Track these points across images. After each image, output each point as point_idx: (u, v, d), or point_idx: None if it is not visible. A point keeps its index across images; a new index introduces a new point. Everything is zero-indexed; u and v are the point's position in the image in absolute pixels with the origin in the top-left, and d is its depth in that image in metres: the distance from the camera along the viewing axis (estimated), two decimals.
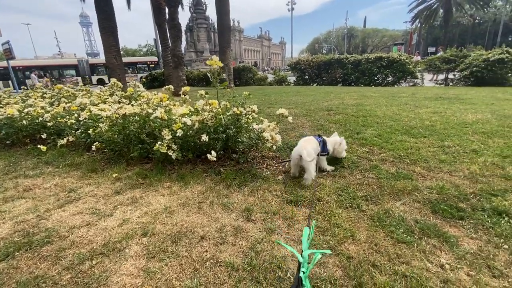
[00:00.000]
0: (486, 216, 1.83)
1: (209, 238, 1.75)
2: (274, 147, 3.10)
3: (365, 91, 8.77)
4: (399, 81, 12.97)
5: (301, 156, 2.37)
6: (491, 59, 10.42)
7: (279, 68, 38.80)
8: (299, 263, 0.86)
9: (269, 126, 2.86)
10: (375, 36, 58.79)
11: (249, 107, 3.05)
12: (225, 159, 3.09)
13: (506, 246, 1.55)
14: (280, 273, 1.43)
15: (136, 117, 3.32)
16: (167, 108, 3.64)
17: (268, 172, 2.76)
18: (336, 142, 2.74)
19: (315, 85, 14.88)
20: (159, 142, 2.77)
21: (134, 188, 2.59)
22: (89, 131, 3.50)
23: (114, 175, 2.89)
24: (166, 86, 3.94)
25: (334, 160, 2.85)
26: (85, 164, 3.30)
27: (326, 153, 2.65)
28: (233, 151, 3.06)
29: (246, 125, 2.97)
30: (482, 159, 2.63)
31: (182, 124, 2.96)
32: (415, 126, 3.82)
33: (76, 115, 4.14)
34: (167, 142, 2.80)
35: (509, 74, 10.46)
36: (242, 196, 2.31)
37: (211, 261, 1.55)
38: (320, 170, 2.65)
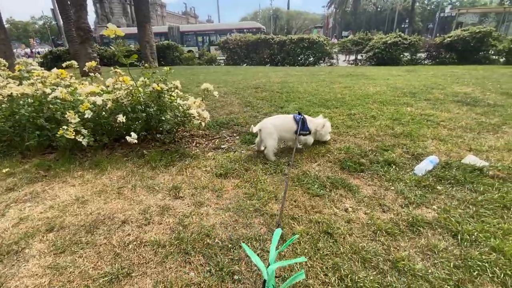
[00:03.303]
0: (380, 167, 2.23)
1: (131, 222, 1.63)
2: (203, 124, 3.03)
3: (290, 70, 9.29)
4: (319, 61, 14.19)
5: (260, 129, 2.38)
6: (388, 42, 12.33)
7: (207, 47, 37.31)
8: (264, 281, 0.74)
9: (194, 102, 2.75)
10: (298, 18, 61.96)
11: (171, 83, 2.86)
12: (150, 141, 2.87)
13: (392, 188, 1.93)
14: (209, 240, 1.45)
15: (29, 99, 2.74)
16: (71, 87, 3.10)
17: (198, 150, 2.70)
18: (319, 124, 2.56)
19: (244, 65, 14.96)
20: (63, 127, 2.36)
21: (33, 182, 2.18)
22: None
23: (4, 171, 2.36)
24: (68, 62, 3.32)
25: None
26: None
27: (307, 131, 2.48)
28: (157, 131, 2.86)
29: (170, 103, 2.78)
30: (378, 122, 3.16)
31: (91, 104, 2.58)
32: (329, 99, 4.29)
33: None
34: (74, 126, 2.40)
35: (402, 55, 12.62)
36: (169, 176, 2.21)
37: (134, 243, 1.46)
38: (306, 146, 2.61)
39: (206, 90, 2.76)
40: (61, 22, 13.63)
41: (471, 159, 2.20)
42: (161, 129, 2.78)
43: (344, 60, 14.76)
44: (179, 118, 2.63)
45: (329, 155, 2.48)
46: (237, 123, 3.39)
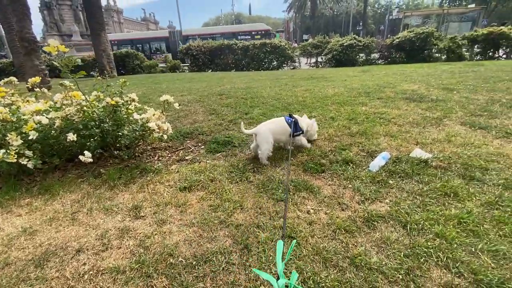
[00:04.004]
0: (339, 166, 2.35)
1: (87, 249, 1.52)
2: (165, 136, 2.94)
3: (254, 75, 9.42)
4: (282, 65, 14.59)
5: (256, 134, 2.43)
6: (344, 44, 13.08)
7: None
8: None
9: (154, 114, 2.66)
10: (260, 22, 63.32)
11: (128, 96, 2.74)
12: (107, 158, 2.72)
13: (350, 186, 2.05)
14: (172, 259, 1.41)
15: None
16: (13, 106, 2.83)
17: (160, 164, 2.62)
18: (308, 124, 2.68)
19: (209, 71, 14.85)
20: (2, 151, 2.13)
21: None
22: None
23: None
24: (6, 79, 3.02)
25: (238, 141, 2.97)
26: None
27: (300, 132, 2.58)
28: (115, 147, 2.71)
29: (126, 117, 2.66)
30: (336, 123, 3.33)
31: (37, 123, 2.38)
32: (291, 103, 4.43)
33: None
34: (15, 149, 2.19)
35: (357, 57, 13.45)
36: (129, 194, 2.11)
37: (91, 272, 1.36)
38: (297, 147, 2.67)
39: (166, 102, 2.69)
40: (3, 32, 12.39)
41: (417, 152, 2.41)
42: (118, 145, 2.64)
43: (306, 63, 15.34)
44: (137, 133, 2.52)
45: (292, 158, 2.55)
46: (202, 132, 3.35)
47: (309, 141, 2.78)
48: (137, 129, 2.54)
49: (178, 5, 27.63)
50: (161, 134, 2.70)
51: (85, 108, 2.49)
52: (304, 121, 2.68)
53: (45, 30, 40.89)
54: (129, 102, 2.75)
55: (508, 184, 1.89)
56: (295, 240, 1.43)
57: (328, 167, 2.36)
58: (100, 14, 11.64)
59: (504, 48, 11.79)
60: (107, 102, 2.56)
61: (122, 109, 2.74)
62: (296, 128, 2.54)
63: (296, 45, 19.80)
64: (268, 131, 2.45)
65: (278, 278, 0.82)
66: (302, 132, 2.62)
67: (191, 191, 2.11)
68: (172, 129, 3.50)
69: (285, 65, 14.67)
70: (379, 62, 13.65)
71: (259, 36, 23.49)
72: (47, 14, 38.99)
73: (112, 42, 25.23)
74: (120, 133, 2.53)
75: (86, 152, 2.34)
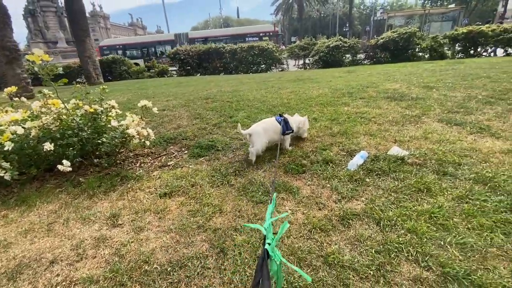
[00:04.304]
0: (319, 166, 2.38)
1: (61, 260, 1.50)
2: (148, 142, 2.92)
3: (242, 78, 9.46)
4: (271, 68, 14.69)
5: (250, 134, 2.49)
6: (330, 45, 13.28)
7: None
8: (264, 236, 0.82)
9: (133, 121, 2.65)
10: (249, 26, 63.70)
11: (107, 103, 2.72)
12: (88, 167, 2.68)
13: (328, 185, 2.08)
14: (147, 267, 1.40)
15: None
16: None
17: (141, 171, 2.60)
18: (300, 121, 2.79)
19: (198, 75, 14.81)
20: None
21: None
22: None
23: None
24: None
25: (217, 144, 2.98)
26: None
27: (291, 131, 2.66)
28: (95, 155, 2.68)
29: (105, 124, 2.63)
30: (319, 124, 3.38)
31: (12, 134, 2.33)
32: (276, 105, 4.47)
33: None
34: None
35: (344, 57, 13.67)
36: (108, 203, 2.08)
37: (63, 283, 1.34)
38: (281, 149, 2.68)
39: (144, 108, 2.68)
40: None
41: (395, 150, 2.47)
42: (98, 153, 2.61)
43: (294, 65, 15.48)
44: (116, 140, 2.50)
45: (274, 160, 2.57)
46: (186, 137, 3.34)
47: (300, 138, 2.93)
48: (117, 136, 2.52)
49: (165, 10, 27.42)
50: (143, 140, 2.69)
51: (62, 116, 2.45)
52: (296, 120, 2.79)
53: (29, 37, 40.06)
54: (108, 110, 2.72)
55: (478, 178, 1.96)
56: (275, 193, 1.48)
57: (309, 167, 2.40)
58: (84, 20, 11.48)
59: (484, 46, 12.17)
60: (85, 110, 2.53)
61: (102, 116, 2.71)
62: (287, 126, 2.64)
63: (284, 47, 20.01)
64: (262, 131, 2.54)
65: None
66: (292, 131, 2.71)
67: (172, 197, 2.10)
68: (156, 134, 3.50)
69: (273, 67, 14.76)
70: (365, 62, 13.89)
71: (267, 38, 22.85)
72: (31, 22, 38.21)
73: (118, 46, 24.91)
74: (100, 141, 2.50)
75: (64, 161, 2.30)
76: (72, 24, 11.33)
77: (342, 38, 13.80)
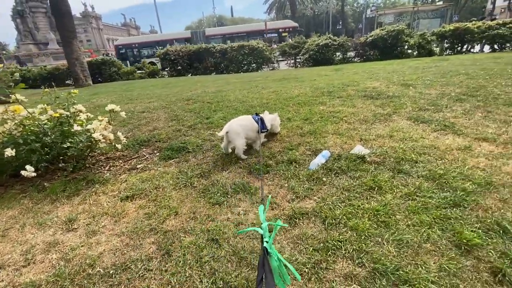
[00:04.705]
0: (283, 166, 2.42)
1: (8, 266, 1.52)
2: (119, 146, 2.94)
3: (230, 78, 9.47)
4: (262, 67, 14.71)
5: (227, 132, 2.51)
6: (320, 44, 13.33)
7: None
8: (261, 236, 0.86)
9: (100, 125, 2.66)
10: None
11: (74, 108, 2.73)
12: (56, 171, 2.69)
13: (286, 185, 2.12)
14: (91, 270, 1.43)
15: None
16: None
17: (108, 174, 2.61)
18: (272, 118, 2.89)
19: (189, 75, 14.78)
20: None
21: None
22: None
23: None
24: None
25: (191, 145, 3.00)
26: None
27: (266, 130, 2.76)
28: (62, 160, 2.69)
29: (67, 128, 2.64)
30: (291, 124, 3.41)
31: None
32: (254, 105, 4.50)
33: None
34: None
35: (334, 55, 13.71)
36: (70, 207, 2.10)
37: None
38: (250, 147, 2.77)
39: (112, 111, 2.69)
40: None
41: (358, 148, 2.52)
42: (61, 157, 2.61)
43: (287, 63, 15.52)
44: (81, 144, 2.51)
45: (241, 161, 2.61)
46: (159, 139, 3.36)
47: (274, 134, 3.02)
48: (83, 140, 2.53)
49: (157, 10, 27.28)
50: (113, 144, 2.72)
51: (26, 121, 2.46)
52: (267, 117, 2.83)
53: (19, 39, 39.57)
54: (76, 114, 2.73)
55: (430, 175, 2.01)
56: (270, 196, 1.63)
57: (274, 167, 2.43)
58: (70, 21, 11.38)
59: (471, 42, 12.30)
60: (50, 115, 2.54)
61: (70, 121, 2.72)
62: (263, 125, 2.70)
63: (275, 46, 20.01)
64: (240, 127, 2.59)
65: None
66: (267, 130, 2.78)
67: (133, 200, 2.12)
68: (130, 137, 3.52)
69: (264, 66, 14.78)
70: (356, 60, 13.97)
71: (286, 34, 22.48)
72: (20, 23, 37.74)
73: (133, 45, 24.76)
74: (65, 146, 2.51)
75: (28, 167, 2.31)
76: (59, 26, 11.22)
77: (331, 36, 13.84)
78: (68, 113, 2.65)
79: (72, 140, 2.50)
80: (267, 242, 0.81)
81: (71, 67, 11.58)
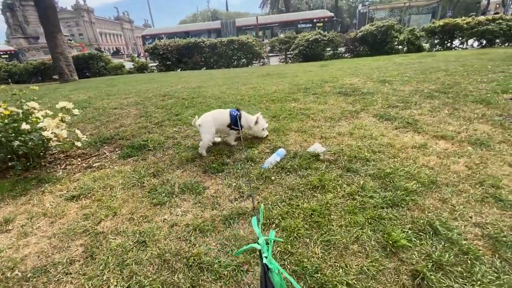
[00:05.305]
0: (239, 165, 2.38)
1: None
2: (79, 143, 2.88)
3: (216, 74, 9.37)
4: (252, 62, 14.58)
5: (200, 125, 2.53)
6: (310, 39, 13.22)
7: (138, 53, 35.02)
8: (260, 251, 0.83)
9: (52, 122, 2.59)
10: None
11: (27, 105, 2.65)
12: (8, 170, 2.62)
13: (235, 184, 2.08)
14: (9, 273, 1.39)
15: None
16: None
17: (61, 173, 2.56)
18: (251, 120, 2.67)
19: (179, 70, 14.61)
20: None
21: None
22: None
23: None
24: None
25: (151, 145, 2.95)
26: None
27: (238, 128, 2.61)
28: (15, 158, 2.62)
29: (16, 129, 2.56)
30: None
31: None
32: (229, 101, 4.44)
33: None
34: None
35: (324, 51, 13.61)
36: (13, 207, 2.05)
37: None
38: (227, 143, 2.78)
39: (64, 109, 2.62)
40: None
41: (315, 147, 2.49)
42: (12, 156, 2.54)
43: (279, 59, 15.38)
44: (31, 143, 2.44)
45: (198, 159, 2.57)
46: (123, 136, 3.30)
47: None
48: (34, 138, 2.46)
49: (150, 5, 26.90)
50: (72, 142, 2.65)
51: None
52: (247, 118, 2.71)
53: (9, 33, 38.76)
54: (29, 112, 2.66)
55: (378, 173, 1.99)
56: (262, 205, 1.55)
57: (230, 165, 2.39)
58: (54, 15, 11.11)
59: (460, 38, 12.29)
60: (0, 113, 2.47)
61: (22, 118, 2.64)
62: (235, 122, 2.60)
63: (267, 41, 19.83)
64: (211, 122, 2.58)
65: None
66: (239, 130, 2.64)
67: (78, 200, 2.08)
68: (95, 134, 3.45)
69: (255, 61, 14.65)
70: (346, 55, 13.89)
71: (321, 24, 21.27)
72: (10, 16, 36.95)
73: (161, 35, 23.95)
74: (14, 144, 2.44)
75: None
76: (42, 19, 10.94)
77: (321, 32, 13.73)
78: (20, 110, 2.57)
79: (21, 139, 2.43)
80: (266, 257, 0.78)
81: (55, 62, 11.35)
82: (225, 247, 1.46)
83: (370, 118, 3.16)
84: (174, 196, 1.99)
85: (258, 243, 0.85)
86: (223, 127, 2.68)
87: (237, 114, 2.63)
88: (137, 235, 1.59)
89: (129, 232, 1.63)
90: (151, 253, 1.45)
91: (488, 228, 1.44)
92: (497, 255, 1.29)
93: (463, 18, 12.35)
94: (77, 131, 2.83)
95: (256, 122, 2.68)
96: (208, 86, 6.19)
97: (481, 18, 11.90)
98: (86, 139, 3.01)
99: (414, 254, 1.32)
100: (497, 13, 18.07)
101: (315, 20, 21.89)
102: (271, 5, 42.56)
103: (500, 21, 11.32)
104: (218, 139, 2.90)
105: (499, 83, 4.09)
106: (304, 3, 52.64)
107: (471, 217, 1.53)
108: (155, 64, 15.69)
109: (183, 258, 1.40)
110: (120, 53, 44.79)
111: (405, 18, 19.08)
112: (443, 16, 25.81)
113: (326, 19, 21.91)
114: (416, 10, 19.31)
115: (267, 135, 2.84)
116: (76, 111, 2.71)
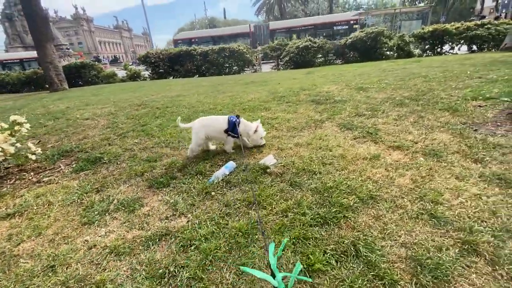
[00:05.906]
0: (187, 179, 2.30)
1: None
2: (33, 157, 2.81)
3: (202, 82, 9.36)
4: (244, 69, 14.62)
5: (192, 128, 2.59)
6: (300, 46, 13.27)
7: (131, 62, 35.25)
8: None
9: (0, 137, 2.53)
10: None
11: None
12: None
13: (172, 200, 2.00)
14: None
15: None
16: None
17: (5, 189, 2.48)
18: (251, 128, 2.61)
19: (171, 78, 14.66)
20: None
21: None
22: None
23: None
24: None
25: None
26: None
27: (236, 135, 2.56)
28: None
29: None
30: None
31: None
32: (201, 111, 4.40)
33: None
34: None
35: (315, 58, 13.65)
36: None
37: None
38: (224, 150, 2.74)
39: (15, 122, 2.57)
40: None
41: (267, 159, 2.42)
42: None
43: (272, 66, 15.42)
44: None
45: (148, 173, 2.49)
46: (83, 149, 3.23)
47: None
48: None
49: (152, 13, 27.26)
50: (25, 155, 2.58)
51: None
52: (246, 125, 2.64)
53: (7, 42, 39.20)
54: None
55: (321, 187, 1.92)
56: (286, 239, 1.45)
57: (179, 179, 2.32)
58: (44, 24, 11.19)
59: (450, 43, 12.32)
60: None
61: None
62: (233, 128, 2.56)
63: (260, 48, 19.95)
64: (202, 127, 2.58)
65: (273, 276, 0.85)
66: (237, 137, 2.58)
67: (12, 219, 2.00)
68: (56, 147, 3.39)
69: (247, 68, 14.70)
70: (337, 62, 13.91)
71: (357, 26, 20.55)
72: (8, 26, 37.47)
73: (192, 39, 24.04)
74: None
75: None
76: (31, 28, 11.00)
77: (311, 38, 13.79)
78: None
79: None
80: None
81: (45, 72, 11.37)
82: (135, 272, 1.37)
83: (333, 128, 3.09)
84: (107, 214, 1.91)
85: (277, 281, 0.82)
86: (217, 133, 2.63)
87: (235, 120, 2.58)
88: (50, 259, 1.51)
89: (44, 256, 1.54)
90: (57, 279, 1.36)
91: (414, 249, 1.36)
92: (415, 280, 1.21)
93: (452, 23, 12.41)
94: (30, 144, 2.77)
95: (256, 131, 2.62)
96: (188, 95, 6.16)
97: (470, 23, 11.93)
98: (40, 153, 2.95)
99: (326, 280, 1.24)
100: (498, 17, 18.01)
101: (352, 22, 21.18)
102: (266, 13, 43.05)
103: (489, 25, 11.37)
104: (213, 147, 2.86)
105: (472, 89, 4.03)
106: (301, 10, 53.28)
107: (400, 236, 1.44)
108: (148, 72, 15.76)
109: (86, 285, 1.32)
110: (118, 61, 45.26)
111: (395, 24, 19.22)
112: (435, 22, 26.00)
113: (356, 22, 21.45)
114: (406, 16, 19.47)
115: (264, 144, 2.77)
116: (27, 125, 2.65)
